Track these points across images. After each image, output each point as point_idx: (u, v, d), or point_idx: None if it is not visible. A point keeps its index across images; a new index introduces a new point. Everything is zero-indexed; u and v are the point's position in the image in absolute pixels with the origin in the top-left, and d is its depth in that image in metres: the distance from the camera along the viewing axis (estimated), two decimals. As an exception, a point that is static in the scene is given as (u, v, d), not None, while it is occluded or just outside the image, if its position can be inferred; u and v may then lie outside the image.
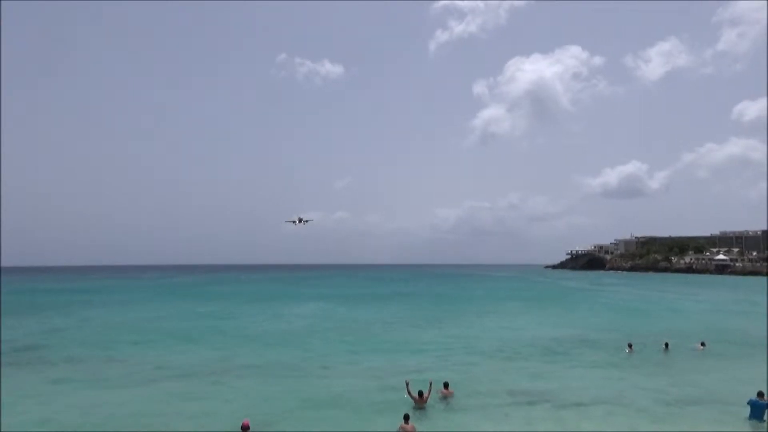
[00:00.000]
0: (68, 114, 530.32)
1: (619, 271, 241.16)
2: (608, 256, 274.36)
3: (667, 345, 34.57)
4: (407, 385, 22.66)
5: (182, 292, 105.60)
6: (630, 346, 34.00)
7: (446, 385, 23.81)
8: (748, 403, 19.81)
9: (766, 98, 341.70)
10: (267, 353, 34.73)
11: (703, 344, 35.61)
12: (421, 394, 22.15)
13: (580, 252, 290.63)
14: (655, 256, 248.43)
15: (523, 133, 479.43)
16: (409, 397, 22.21)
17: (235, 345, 37.92)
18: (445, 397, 23.14)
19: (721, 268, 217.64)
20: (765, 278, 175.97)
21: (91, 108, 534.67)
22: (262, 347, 37.23)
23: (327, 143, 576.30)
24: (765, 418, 19.21)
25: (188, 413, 20.95)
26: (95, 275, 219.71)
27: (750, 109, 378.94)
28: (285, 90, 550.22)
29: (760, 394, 19.77)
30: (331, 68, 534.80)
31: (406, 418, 18.83)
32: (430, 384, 22.77)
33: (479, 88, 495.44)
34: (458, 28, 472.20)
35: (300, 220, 54.86)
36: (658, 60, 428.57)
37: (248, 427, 17.51)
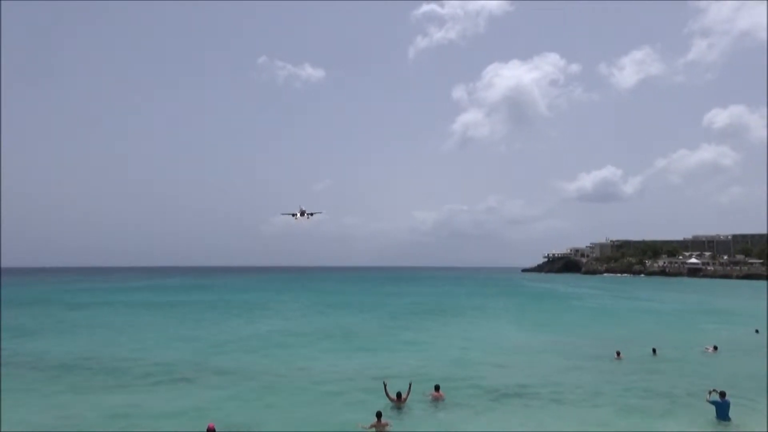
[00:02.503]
0: (46, 114, 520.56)
1: (595, 274, 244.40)
2: (584, 260, 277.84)
3: (654, 351, 35.00)
4: (385, 386, 22.86)
5: (161, 295, 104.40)
6: (618, 353, 34.28)
7: (437, 388, 23.79)
8: (712, 403, 20.34)
9: (735, 106, 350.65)
10: (243, 356, 34.59)
11: (715, 347, 36.07)
12: (399, 395, 22.32)
13: (556, 255, 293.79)
14: (629, 259, 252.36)
15: (501, 138, 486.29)
16: (387, 398, 22.41)
17: (211, 348, 37.56)
18: (435, 400, 23.13)
19: (694, 272, 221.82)
20: (734, 281, 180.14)
21: (72, 109, 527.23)
22: (238, 350, 37.05)
23: (306, 146, 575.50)
24: (731, 415, 19.89)
25: (161, 414, 20.84)
26: (71, 276, 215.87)
27: (720, 117, 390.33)
28: (265, 93, 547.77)
29: (722, 394, 20.37)
30: (312, 72, 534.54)
31: (379, 415, 19.09)
32: (410, 386, 22.96)
33: (458, 93, 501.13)
34: (438, 34, 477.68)
35: (303, 214, 50.19)
36: (632, 68, 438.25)
37: (213, 430, 17.53)
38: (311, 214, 50.54)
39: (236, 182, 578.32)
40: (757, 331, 46.31)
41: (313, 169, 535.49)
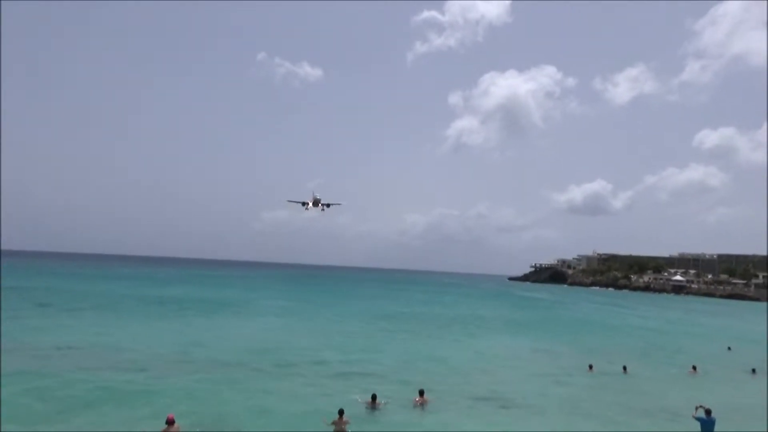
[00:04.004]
0: (38, 103, 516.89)
1: (580, 287, 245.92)
2: (570, 271, 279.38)
3: (625, 368, 35.53)
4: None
5: (149, 285, 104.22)
6: (591, 366, 35.00)
7: (421, 393, 24.18)
8: (697, 420, 20.69)
9: (725, 128, 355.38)
10: (226, 352, 34.88)
11: (694, 368, 36.43)
12: (374, 397, 22.81)
13: (543, 265, 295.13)
14: (615, 273, 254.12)
15: (494, 146, 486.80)
16: (362, 401, 22.82)
17: (193, 343, 37.61)
18: (420, 405, 23.47)
19: (678, 289, 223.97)
20: (717, 299, 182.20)
21: (67, 100, 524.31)
22: (223, 346, 37.36)
23: (301, 144, 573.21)
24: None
25: (135, 407, 21.11)
26: (60, 262, 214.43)
27: (710, 138, 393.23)
28: (262, 89, 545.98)
29: (708, 412, 20.74)
30: (310, 71, 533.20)
31: (341, 413, 19.54)
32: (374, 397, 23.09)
33: (454, 99, 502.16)
34: (437, 41, 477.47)
35: (317, 203, 44.87)
36: (627, 85, 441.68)
37: (173, 421, 17.90)
38: (327, 205, 45.87)
39: (228, 176, 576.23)
40: (729, 348, 47.43)
41: (306, 167, 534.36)
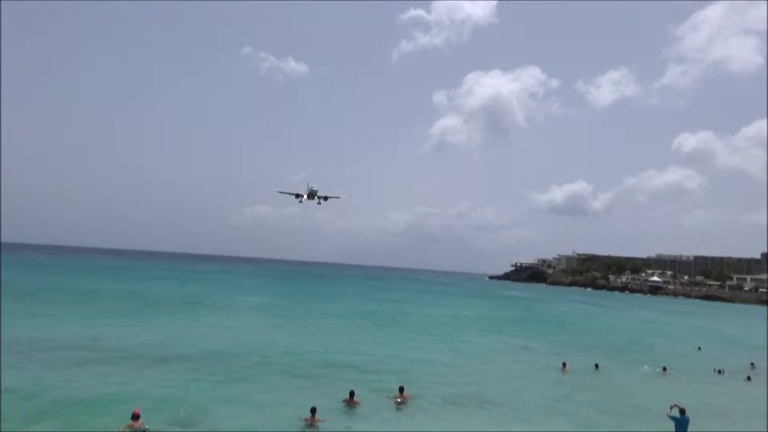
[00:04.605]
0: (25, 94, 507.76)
1: (560, 286, 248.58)
2: (550, 270, 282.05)
3: (597, 366, 36.62)
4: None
5: (123, 279, 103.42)
6: (564, 365, 35.90)
7: (401, 390, 24.60)
8: (672, 419, 21.42)
9: (704, 132, 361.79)
10: (205, 344, 35.23)
11: (664, 368, 37.45)
12: (352, 394, 23.30)
13: (523, 264, 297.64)
14: (594, 273, 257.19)
15: (477, 145, 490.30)
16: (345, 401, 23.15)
17: (168, 339, 37.32)
18: (400, 402, 23.94)
19: (655, 290, 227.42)
20: (692, 300, 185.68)
21: (50, 91, 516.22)
22: (199, 342, 37.53)
23: (283, 139, 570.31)
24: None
25: (107, 403, 21.23)
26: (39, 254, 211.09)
27: (689, 141, 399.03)
28: (246, 83, 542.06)
29: (682, 411, 21.48)
30: (295, 66, 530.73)
31: (313, 411, 19.91)
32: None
33: (438, 98, 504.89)
34: (423, 39, 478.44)
35: (313, 196, 42.85)
36: (609, 87, 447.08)
37: (138, 416, 18.17)
38: (325, 198, 44.00)
39: (208, 170, 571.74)
40: (699, 349, 48.86)
41: (288, 161, 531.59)
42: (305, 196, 43.49)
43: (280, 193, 45.01)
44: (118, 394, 22.23)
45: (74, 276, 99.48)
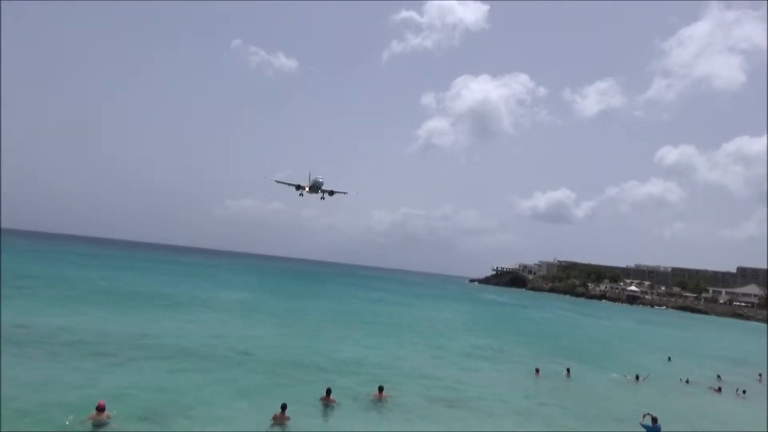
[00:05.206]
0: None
1: (540, 292, 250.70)
2: (531, 276, 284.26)
3: (568, 371, 37.47)
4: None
5: (101, 268, 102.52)
6: (537, 370, 36.63)
7: (380, 389, 24.98)
8: (644, 427, 22.01)
9: (686, 146, 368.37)
10: (180, 338, 35.34)
11: (637, 377, 38.27)
12: (329, 392, 23.64)
13: (505, 269, 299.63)
14: (574, 280, 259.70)
15: (463, 148, 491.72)
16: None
17: (146, 332, 37.06)
18: (378, 401, 24.34)
19: (632, 299, 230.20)
20: (668, 310, 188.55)
21: (37, 81, 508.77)
22: (179, 331, 37.69)
23: (270, 134, 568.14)
24: None
25: (84, 390, 21.45)
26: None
27: (671, 154, 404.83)
28: (235, 76, 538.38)
29: (654, 420, 22.13)
30: (285, 61, 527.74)
31: (283, 407, 20.11)
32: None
33: (427, 99, 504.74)
34: (414, 41, 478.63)
35: (316, 190, 39.11)
36: (595, 98, 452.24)
37: (104, 408, 18.10)
38: (330, 193, 40.03)
39: (194, 161, 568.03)
40: (669, 359, 50.01)
41: (274, 156, 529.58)
42: (307, 189, 39.88)
43: (278, 182, 41.30)
44: (89, 386, 22.21)
45: (50, 263, 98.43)
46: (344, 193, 42.08)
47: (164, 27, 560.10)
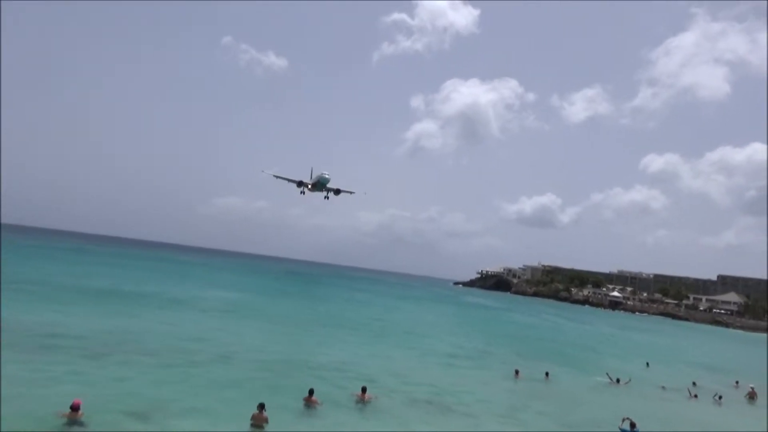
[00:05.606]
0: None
1: (524, 296, 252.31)
2: (515, 280, 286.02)
3: (547, 374, 37.98)
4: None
5: (79, 264, 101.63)
6: (517, 372, 37.19)
7: (364, 390, 25.13)
8: (622, 431, 22.38)
9: (670, 154, 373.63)
10: (169, 337, 35.29)
11: (618, 380, 38.97)
12: (311, 392, 23.75)
13: (489, 272, 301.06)
14: (557, 285, 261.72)
15: (451, 151, 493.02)
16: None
17: (138, 324, 37.54)
18: (361, 401, 24.52)
19: (615, 304, 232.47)
20: (650, 316, 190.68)
21: (29, 77, 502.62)
22: (166, 330, 37.53)
23: (258, 132, 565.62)
24: None
25: (61, 388, 21.34)
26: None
27: (655, 162, 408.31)
28: (225, 73, 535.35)
29: (633, 425, 22.52)
30: (275, 60, 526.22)
31: (261, 407, 20.08)
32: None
33: (416, 102, 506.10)
34: (405, 43, 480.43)
35: (321, 188, 36.18)
36: (582, 104, 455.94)
37: (78, 407, 17.95)
38: (336, 192, 37.32)
39: (181, 157, 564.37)
40: (647, 365, 50.73)
41: (262, 154, 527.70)
42: (310, 186, 36.85)
43: (276, 177, 37.76)
44: (67, 384, 22.06)
45: (29, 259, 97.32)
46: (351, 192, 39.75)
47: (154, 22, 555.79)
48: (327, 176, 35.50)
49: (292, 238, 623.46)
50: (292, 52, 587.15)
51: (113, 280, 73.76)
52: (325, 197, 35.86)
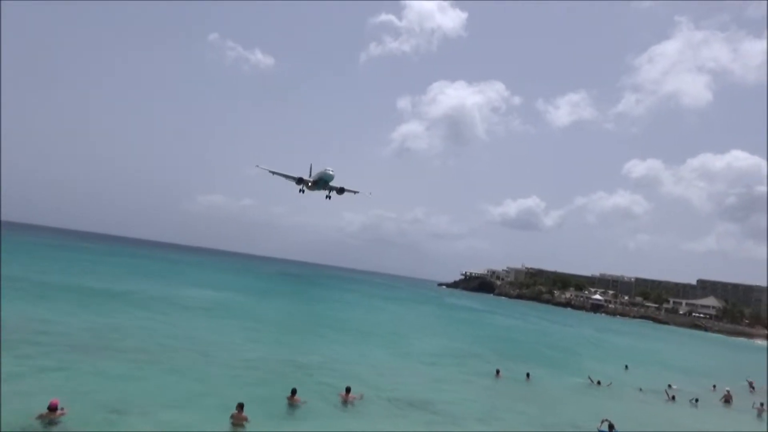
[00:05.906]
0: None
1: (507, 298, 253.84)
2: (499, 282, 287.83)
3: (528, 375, 38.48)
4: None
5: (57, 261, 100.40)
6: (498, 372, 37.76)
7: (348, 390, 25.21)
8: None
9: (653, 160, 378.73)
10: (151, 335, 35.09)
11: (599, 382, 39.72)
12: (294, 392, 23.81)
13: (473, 274, 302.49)
14: (540, 287, 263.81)
15: (437, 153, 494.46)
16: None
17: (108, 328, 36.45)
18: (344, 401, 24.64)
19: (596, 307, 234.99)
20: (630, 320, 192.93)
21: (19, 74, 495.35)
22: (148, 328, 37.29)
23: (244, 130, 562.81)
24: None
25: (50, 387, 21.17)
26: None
27: (638, 168, 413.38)
28: (210, 70, 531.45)
29: (611, 427, 22.87)
30: (261, 58, 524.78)
31: (240, 407, 20.10)
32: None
33: (403, 103, 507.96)
34: (392, 44, 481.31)
35: (324, 186, 34.11)
36: (567, 109, 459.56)
37: (56, 407, 17.72)
38: (339, 192, 35.24)
39: (165, 153, 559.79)
40: (626, 367, 51.51)
41: (246, 153, 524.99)
42: (310, 183, 34.84)
43: (273, 173, 35.81)
44: (46, 384, 21.87)
45: (11, 254, 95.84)
46: (356, 192, 37.60)
47: (139, 19, 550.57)
48: (331, 173, 33.55)
49: (279, 237, 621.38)
50: (278, 51, 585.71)
51: (102, 277, 73.00)
52: (326, 197, 34.09)
